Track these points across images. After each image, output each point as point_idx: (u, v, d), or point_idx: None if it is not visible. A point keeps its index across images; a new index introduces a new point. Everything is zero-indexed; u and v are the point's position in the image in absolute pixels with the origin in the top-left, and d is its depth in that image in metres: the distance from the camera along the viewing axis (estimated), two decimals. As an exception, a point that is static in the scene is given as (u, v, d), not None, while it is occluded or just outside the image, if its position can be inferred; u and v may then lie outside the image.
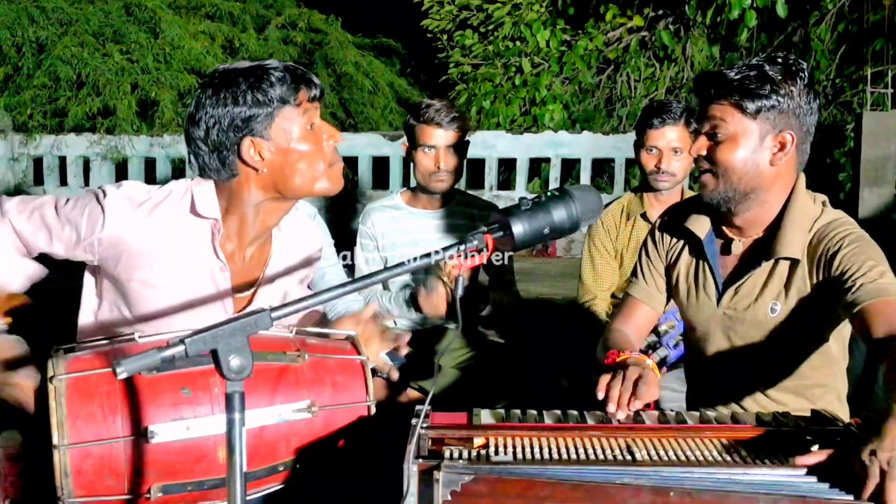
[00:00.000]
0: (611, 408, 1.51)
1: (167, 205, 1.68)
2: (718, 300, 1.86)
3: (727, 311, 1.85)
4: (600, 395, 1.54)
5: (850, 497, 1.18)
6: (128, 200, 1.66)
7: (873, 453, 1.20)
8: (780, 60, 1.73)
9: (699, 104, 1.80)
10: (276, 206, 1.73)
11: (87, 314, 1.79)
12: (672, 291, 1.99)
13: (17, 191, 8.27)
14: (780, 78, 1.70)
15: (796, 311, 1.77)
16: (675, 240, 1.98)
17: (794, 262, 1.76)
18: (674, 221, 1.98)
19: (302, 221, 1.94)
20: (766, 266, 1.80)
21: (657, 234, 2.02)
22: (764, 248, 1.80)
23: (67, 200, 1.69)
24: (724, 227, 1.86)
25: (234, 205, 1.70)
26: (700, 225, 1.88)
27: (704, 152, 1.76)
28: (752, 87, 1.70)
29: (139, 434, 1.35)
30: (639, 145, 2.84)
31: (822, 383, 1.85)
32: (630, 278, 2.08)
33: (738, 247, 1.84)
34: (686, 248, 1.95)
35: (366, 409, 1.52)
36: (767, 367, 1.85)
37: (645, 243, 2.06)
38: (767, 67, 1.71)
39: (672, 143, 2.75)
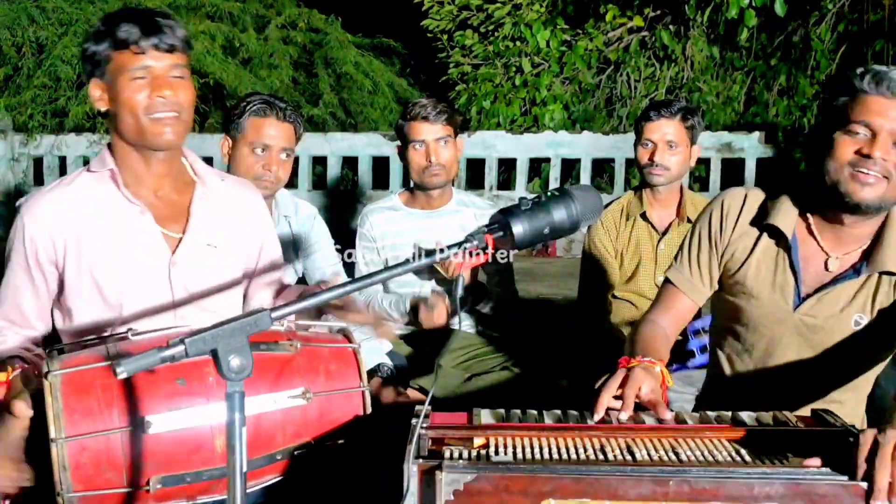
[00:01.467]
0: (596, 417, 1.48)
1: (69, 178, 1.81)
2: (797, 306, 1.79)
3: (804, 318, 1.79)
4: (597, 417, 1.49)
5: (844, 477, 1.18)
6: (35, 194, 1.79)
7: (875, 439, 1.20)
8: None
9: (874, 94, 1.63)
10: (151, 155, 1.77)
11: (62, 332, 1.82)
12: (735, 286, 1.86)
13: (17, 191, 8.28)
14: None
15: (877, 325, 1.74)
16: (744, 232, 1.85)
17: (884, 277, 1.73)
18: (744, 212, 1.85)
19: (238, 184, 1.97)
20: (862, 278, 1.75)
21: (717, 222, 1.88)
22: (863, 259, 1.75)
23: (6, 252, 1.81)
24: (817, 237, 1.78)
25: (119, 154, 1.78)
26: (787, 223, 1.78)
27: (890, 158, 1.63)
28: None
29: (136, 426, 1.36)
30: (636, 142, 2.85)
31: (863, 393, 1.86)
32: (673, 261, 1.96)
33: (835, 264, 1.77)
34: (761, 243, 1.83)
35: (360, 395, 1.53)
36: (830, 377, 1.82)
37: (700, 228, 1.91)
38: None
39: (666, 136, 2.76)
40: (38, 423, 1.40)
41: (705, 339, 2.54)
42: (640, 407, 1.53)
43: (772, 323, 1.83)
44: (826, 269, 1.78)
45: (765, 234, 1.83)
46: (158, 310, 1.77)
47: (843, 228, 1.75)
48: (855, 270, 1.75)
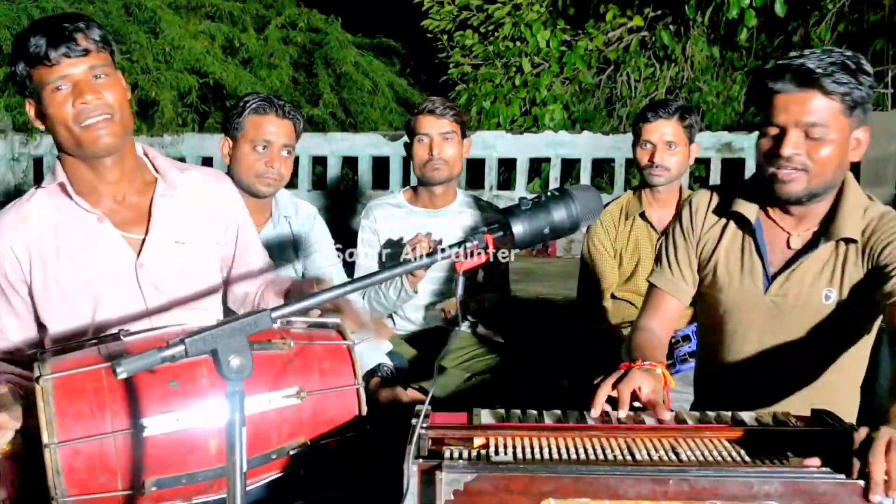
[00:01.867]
0: (594, 412, 1.50)
1: (26, 196, 1.78)
2: (767, 287, 1.82)
3: (775, 299, 1.81)
4: (594, 413, 1.50)
5: (842, 476, 1.19)
6: None
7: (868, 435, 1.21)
8: (848, 53, 1.67)
9: (776, 95, 1.68)
10: (98, 163, 1.74)
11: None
12: (708, 279, 1.92)
13: (17, 190, 8.28)
14: (861, 71, 1.66)
15: (848, 299, 1.76)
16: (712, 225, 1.91)
17: (850, 248, 1.75)
18: (711, 205, 1.92)
19: (202, 174, 1.92)
20: (823, 250, 1.77)
21: (687, 220, 1.94)
22: (821, 232, 1.78)
23: None
24: (777, 220, 1.82)
25: (68, 166, 1.75)
26: (749, 209, 1.83)
27: (802, 151, 1.68)
28: (851, 81, 1.63)
29: (129, 429, 1.35)
30: (634, 143, 2.85)
31: (853, 379, 1.86)
32: (654, 267, 2.01)
33: (797, 241, 1.81)
34: (727, 232, 1.88)
35: (355, 393, 1.52)
36: (808, 359, 1.83)
37: (673, 230, 1.97)
38: (847, 60, 1.64)
39: (665, 136, 2.76)
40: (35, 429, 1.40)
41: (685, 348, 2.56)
42: (641, 407, 1.54)
43: (746, 308, 1.86)
44: (789, 247, 1.82)
45: (731, 224, 1.88)
46: (133, 315, 1.76)
47: (795, 214, 1.80)
48: (814, 243, 1.78)
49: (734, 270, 1.86)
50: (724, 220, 1.89)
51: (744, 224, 1.85)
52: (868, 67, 1.68)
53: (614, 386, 1.55)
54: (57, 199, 1.76)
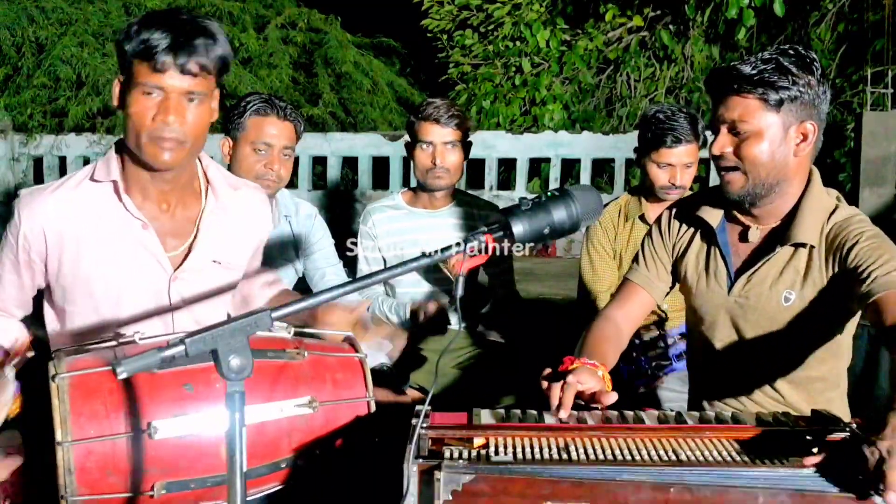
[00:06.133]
0: (560, 413, 1.49)
1: (71, 182, 1.72)
2: (730, 288, 1.85)
3: (738, 300, 1.84)
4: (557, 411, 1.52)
5: (850, 493, 1.17)
6: (32, 191, 1.72)
7: (873, 444, 1.19)
8: (791, 52, 1.72)
9: (714, 100, 1.78)
10: (159, 172, 1.69)
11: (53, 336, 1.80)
12: (681, 282, 1.98)
13: (17, 191, 8.27)
14: (796, 69, 1.70)
15: (810, 301, 1.78)
16: (684, 231, 1.97)
17: (810, 252, 1.77)
18: (683, 212, 1.98)
19: (251, 195, 1.89)
20: (781, 253, 1.80)
21: (665, 225, 2.01)
22: (779, 236, 1.81)
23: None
24: (740, 216, 1.86)
25: (125, 158, 1.71)
26: (713, 214, 1.89)
27: (729, 149, 1.75)
28: (772, 79, 1.69)
29: (142, 430, 1.35)
30: (644, 155, 2.75)
31: (826, 377, 1.86)
32: (631, 265, 2.06)
33: (756, 234, 1.84)
34: (696, 237, 1.94)
35: (366, 406, 1.52)
36: (775, 358, 1.85)
37: (650, 233, 2.04)
38: (782, 59, 1.70)
39: (684, 159, 2.71)
40: (44, 425, 1.40)
41: (682, 345, 2.56)
42: (616, 406, 1.53)
43: (714, 309, 1.89)
44: (747, 240, 1.85)
45: (699, 229, 1.94)
46: (154, 316, 1.75)
47: (754, 213, 1.83)
48: (772, 247, 1.81)
49: (701, 273, 1.92)
50: (693, 226, 1.95)
51: (708, 228, 1.90)
52: (814, 65, 1.72)
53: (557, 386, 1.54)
54: (106, 195, 1.71)
